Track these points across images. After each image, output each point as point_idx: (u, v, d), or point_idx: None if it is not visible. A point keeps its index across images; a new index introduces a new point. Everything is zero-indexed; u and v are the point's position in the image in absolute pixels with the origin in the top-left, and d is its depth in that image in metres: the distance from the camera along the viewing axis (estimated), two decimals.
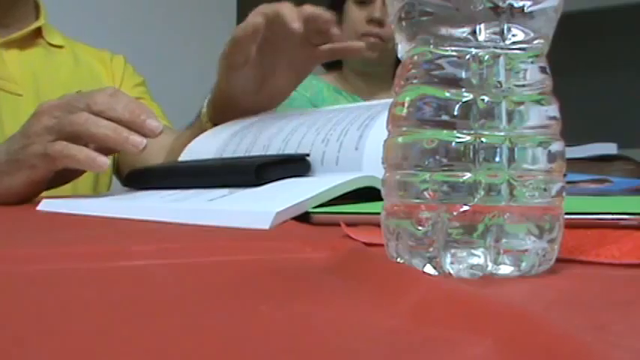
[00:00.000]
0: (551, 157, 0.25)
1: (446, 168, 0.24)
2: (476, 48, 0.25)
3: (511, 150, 0.24)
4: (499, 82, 0.24)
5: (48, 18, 1.02)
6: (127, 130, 0.59)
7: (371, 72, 1.31)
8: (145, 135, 0.60)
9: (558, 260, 0.26)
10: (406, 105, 0.25)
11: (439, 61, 0.25)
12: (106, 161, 0.60)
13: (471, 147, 0.24)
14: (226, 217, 0.43)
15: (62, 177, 0.68)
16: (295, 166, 0.56)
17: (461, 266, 0.24)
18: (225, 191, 0.52)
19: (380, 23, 1.22)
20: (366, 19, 1.24)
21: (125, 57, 1.10)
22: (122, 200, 0.57)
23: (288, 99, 1.30)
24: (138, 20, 2.11)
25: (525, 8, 0.25)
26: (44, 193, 0.68)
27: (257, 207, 0.45)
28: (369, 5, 1.24)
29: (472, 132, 0.24)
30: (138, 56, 1.25)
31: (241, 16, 2.46)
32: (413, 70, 0.26)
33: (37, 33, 0.99)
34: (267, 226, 0.40)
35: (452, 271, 0.24)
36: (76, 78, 1.01)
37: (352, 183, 0.49)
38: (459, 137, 0.24)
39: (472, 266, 0.24)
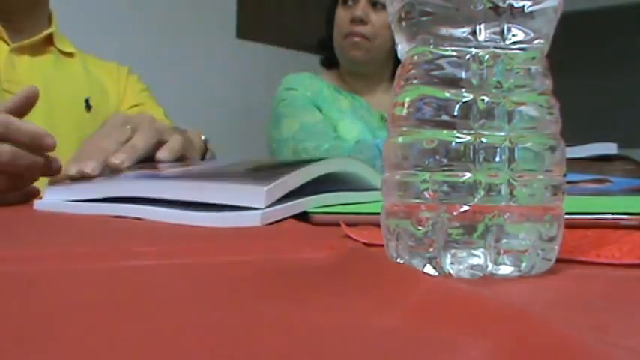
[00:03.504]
0: (551, 158, 0.25)
1: (446, 168, 0.24)
2: (476, 48, 0.25)
3: (511, 150, 0.24)
4: (499, 82, 0.24)
5: (59, 26, 1.02)
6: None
7: (362, 71, 1.34)
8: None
9: (558, 260, 0.26)
10: (406, 105, 0.25)
11: (439, 61, 0.25)
12: None
13: (471, 147, 0.24)
14: (220, 194, 0.45)
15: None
16: None
17: (461, 266, 0.24)
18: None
19: (362, 21, 1.25)
20: (349, 19, 1.27)
21: (130, 67, 1.12)
22: (119, 185, 0.56)
23: (289, 98, 1.32)
24: (138, 25, 2.11)
25: (525, 8, 0.25)
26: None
27: (248, 186, 0.45)
28: (353, 6, 1.29)
29: (472, 132, 0.24)
30: (139, 60, 1.26)
31: (241, 17, 2.45)
32: (413, 70, 0.26)
33: (49, 40, 1.00)
34: (262, 205, 0.43)
35: (452, 271, 0.24)
36: (85, 86, 1.02)
37: (332, 164, 0.52)
38: (459, 137, 0.24)
39: (472, 266, 0.24)
